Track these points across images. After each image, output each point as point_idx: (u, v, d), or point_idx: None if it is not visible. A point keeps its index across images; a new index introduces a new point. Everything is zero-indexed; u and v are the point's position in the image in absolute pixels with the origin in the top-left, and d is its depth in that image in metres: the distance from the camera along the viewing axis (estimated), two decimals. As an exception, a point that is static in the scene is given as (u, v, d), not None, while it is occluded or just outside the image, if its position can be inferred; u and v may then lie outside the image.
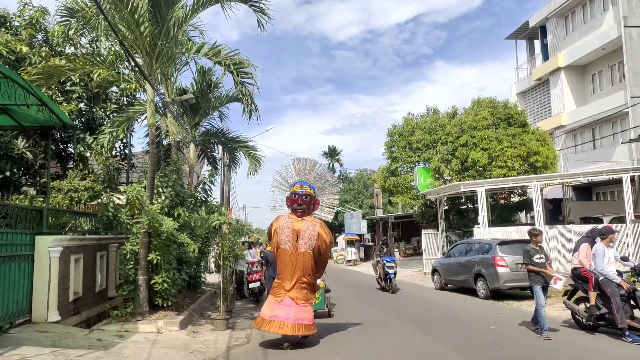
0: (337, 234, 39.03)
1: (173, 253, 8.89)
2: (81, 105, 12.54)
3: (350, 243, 31.59)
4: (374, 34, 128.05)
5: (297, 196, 7.13)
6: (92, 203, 10.92)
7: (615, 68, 21.60)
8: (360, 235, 33.30)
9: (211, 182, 11.09)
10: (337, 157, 53.85)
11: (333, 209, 8.00)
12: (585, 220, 16.59)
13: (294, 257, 7.04)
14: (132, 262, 8.66)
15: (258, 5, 8.58)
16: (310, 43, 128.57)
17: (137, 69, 9.24)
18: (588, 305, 7.39)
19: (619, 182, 15.38)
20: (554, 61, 23.68)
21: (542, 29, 25.44)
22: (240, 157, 16.82)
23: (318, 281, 8.39)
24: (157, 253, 8.49)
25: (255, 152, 15.79)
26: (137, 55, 9.18)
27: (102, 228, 9.58)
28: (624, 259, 7.26)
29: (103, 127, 11.52)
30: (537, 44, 26.79)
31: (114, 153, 12.79)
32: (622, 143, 19.11)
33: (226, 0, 8.32)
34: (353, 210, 36.37)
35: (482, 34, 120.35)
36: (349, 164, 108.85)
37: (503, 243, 12.29)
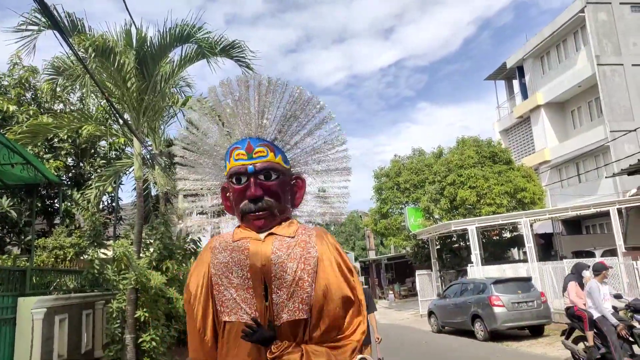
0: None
1: (161, 309, 8.64)
2: (69, 160, 12.54)
3: (344, 287, 31.04)
4: (358, 78, 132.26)
5: (242, 179, 1.93)
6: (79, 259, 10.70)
7: (592, 104, 22.29)
8: (354, 279, 32.80)
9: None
10: (327, 200, 53.84)
11: (345, 194, 2.31)
12: (577, 254, 16.59)
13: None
14: (118, 321, 8.39)
15: (244, 60, 8.82)
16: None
17: (124, 124, 9.32)
18: (587, 344, 7.26)
19: (606, 214, 15.51)
20: (533, 99, 24.40)
21: (520, 69, 26.37)
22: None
23: None
24: (144, 310, 8.25)
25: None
26: (124, 110, 9.29)
27: (88, 285, 9.34)
28: (617, 296, 7.20)
29: (90, 182, 11.47)
30: (516, 83, 27.69)
31: (101, 207, 12.68)
32: (605, 177, 19.44)
33: (212, 56, 8.54)
34: (345, 252, 35.99)
35: (462, 76, 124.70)
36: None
37: (498, 282, 12.17)
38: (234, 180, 1.94)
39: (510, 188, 18.22)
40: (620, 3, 21.28)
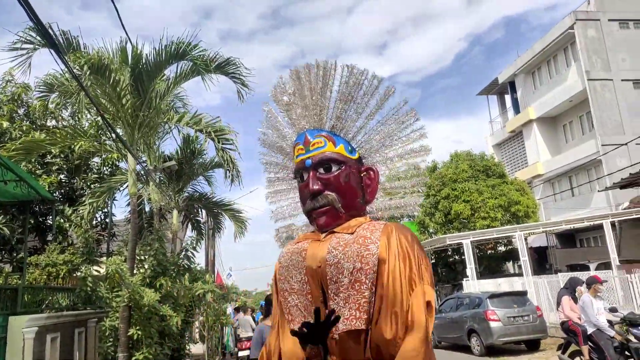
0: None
1: (155, 326, 8.53)
2: (61, 176, 12.46)
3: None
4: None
5: (304, 175, 1.75)
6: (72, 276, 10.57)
7: (584, 118, 22.56)
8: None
9: (194, 248, 10.90)
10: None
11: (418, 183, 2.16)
12: (571, 267, 16.62)
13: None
14: (111, 339, 8.29)
15: (239, 77, 8.87)
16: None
17: (118, 140, 9.31)
18: (583, 358, 7.24)
19: (600, 227, 15.60)
20: (525, 114, 24.67)
21: (512, 85, 26.71)
22: (225, 220, 16.70)
23: None
24: (137, 327, 8.14)
25: (239, 215, 15.69)
26: (118, 126, 9.30)
27: (81, 303, 9.21)
28: (613, 309, 7.22)
29: (83, 198, 11.39)
30: (508, 98, 28.02)
31: (94, 223, 12.57)
32: (598, 191, 19.59)
33: (207, 73, 8.59)
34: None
35: (455, 91, 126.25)
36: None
37: (493, 296, 12.15)
38: (299, 178, 1.77)
39: (504, 201, 18.31)
40: (609, 20, 21.71)
